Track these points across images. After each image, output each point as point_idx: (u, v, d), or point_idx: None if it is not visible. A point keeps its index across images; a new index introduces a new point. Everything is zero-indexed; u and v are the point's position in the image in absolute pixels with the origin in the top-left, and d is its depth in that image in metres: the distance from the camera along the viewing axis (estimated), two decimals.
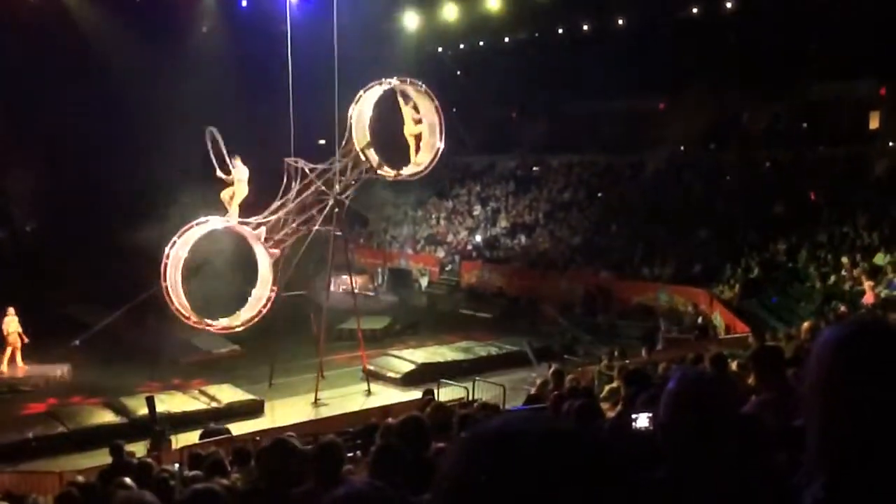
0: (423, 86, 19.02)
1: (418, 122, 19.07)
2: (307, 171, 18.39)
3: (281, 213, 18.17)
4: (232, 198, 17.53)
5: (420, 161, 19.26)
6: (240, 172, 17.57)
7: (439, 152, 19.22)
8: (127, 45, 27.69)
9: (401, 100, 19.12)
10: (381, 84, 18.53)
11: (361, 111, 18.52)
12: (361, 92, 18.50)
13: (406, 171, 19.34)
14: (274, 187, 18.65)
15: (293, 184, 18.36)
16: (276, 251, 17.92)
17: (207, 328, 17.77)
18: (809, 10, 27.19)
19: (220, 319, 17.65)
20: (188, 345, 22.01)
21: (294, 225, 18.31)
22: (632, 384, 6.10)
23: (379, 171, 18.81)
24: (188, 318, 17.18)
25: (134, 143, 30.37)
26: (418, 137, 19.15)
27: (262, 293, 17.74)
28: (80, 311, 24.28)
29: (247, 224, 17.79)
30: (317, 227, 18.59)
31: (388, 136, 19.48)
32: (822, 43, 27.95)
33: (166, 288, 16.77)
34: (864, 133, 28.08)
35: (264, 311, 17.58)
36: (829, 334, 1.59)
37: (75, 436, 14.92)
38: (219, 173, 17.26)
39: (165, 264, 16.74)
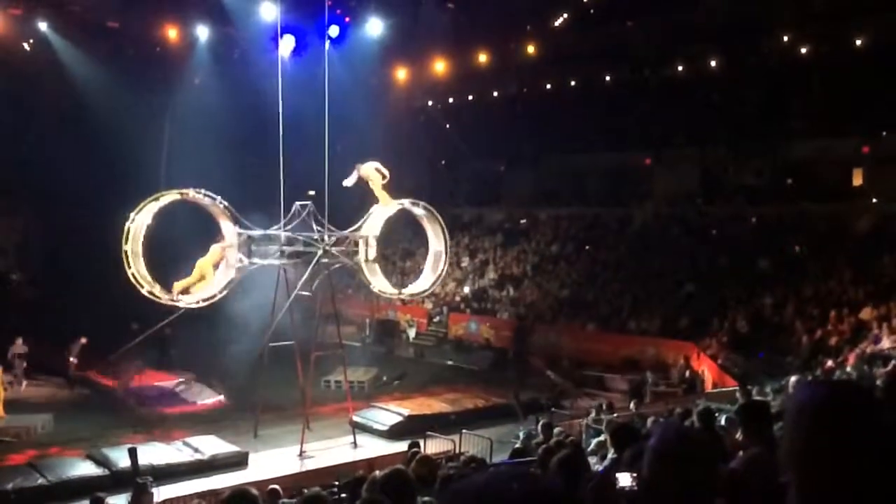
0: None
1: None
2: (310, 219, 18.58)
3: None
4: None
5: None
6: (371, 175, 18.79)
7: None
8: (119, 96, 27.86)
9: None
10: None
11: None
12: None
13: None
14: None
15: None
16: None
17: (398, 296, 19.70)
18: (793, 69, 27.75)
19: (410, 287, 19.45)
20: (172, 395, 21.83)
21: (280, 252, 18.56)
22: (619, 439, 6.09)
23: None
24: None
25: (123, 194, 30.36)
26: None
27: (437, 268, 19.40)
28: (64, 360, 24.03)
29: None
30: (304, 277, 18.59)
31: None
32: (806, 101, 28.50)
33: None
34: (847, 190, 28.46)
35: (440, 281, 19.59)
36: (805, 398, 1.62)
37: (56, 488, 14.64)
38: None
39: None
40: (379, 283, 19.41)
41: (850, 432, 1.51)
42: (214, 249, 18.24)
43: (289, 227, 18.17)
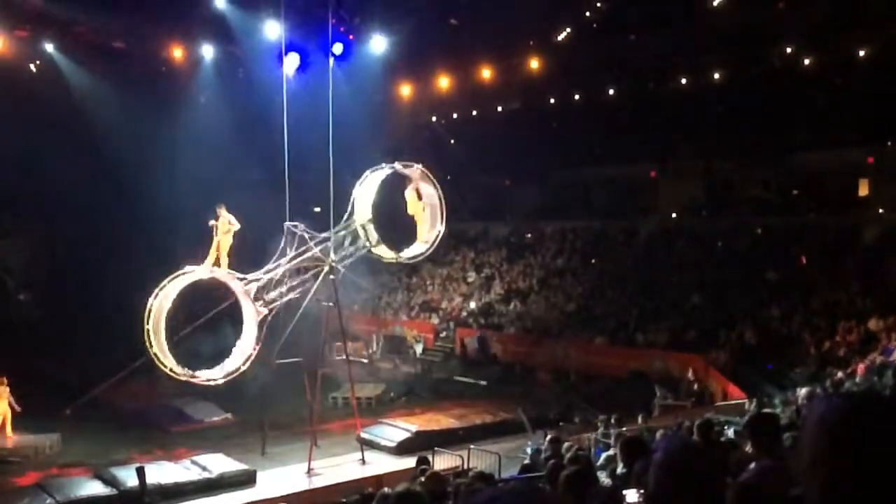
0: (424, 170, 19.34)
1: (420, 202, 19.47)
2: (307, 237, 18.48)
3: (274, 274, 18.18)
4: (217, 249, 17.76)
5: (421, 244, 19.62)
6: (223, 222, 17.87)
7: (439, 236, 19.51)
8: (125, 115, 28.04)
9: (408, 185, 19.51)
10: (386, 167, 18.85)
11: (365, 189, 18.80)
12: (368, 172, 18.78)
13: (405, 253, 19.56)
14: (269, 252, 18.72)
15: (289, 249, 18.42)
16: (264, 310, 17.85)
17: (190, 380, 17.23)
18: (797, 80, 27.76)
19: (203, 372, 17.37)
20: (179, 414, 21.81)
21: (286, 287, 18.31)
22: (629, 453, 6.07)
23: (375, 250, 18.92)
24: (171, 372, 16.79)
25: (131, 212, 30.53)
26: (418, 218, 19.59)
27: (245, 349, 17.56)
28: (71, 379, 24.05)
29: (238, 279, 17.77)
30: (311, 294, 18.59)
31: (390, 218, 19.79)
32: (811, 112, 28.50)
33: (147, 332, 16.44)
34: (853, 200, 28.43)
35: (244, 367, 17.34)
36: (823, 409, 1.60)
37: None
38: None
39: (148, 312, 16.50)
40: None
41: (869, 445, 1.50)
42: (409, 195, 18.90)
43: (285, 254, 18.26)
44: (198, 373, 17.23)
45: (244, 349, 17.59)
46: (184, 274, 17.04)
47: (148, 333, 16.40)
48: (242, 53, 28.10)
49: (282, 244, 18.27)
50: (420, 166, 19.30)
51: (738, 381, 21.16)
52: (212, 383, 17.61)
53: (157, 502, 13.93)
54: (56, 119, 29.54)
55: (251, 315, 17.71)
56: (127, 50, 28.00)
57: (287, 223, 18.27)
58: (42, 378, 23.20)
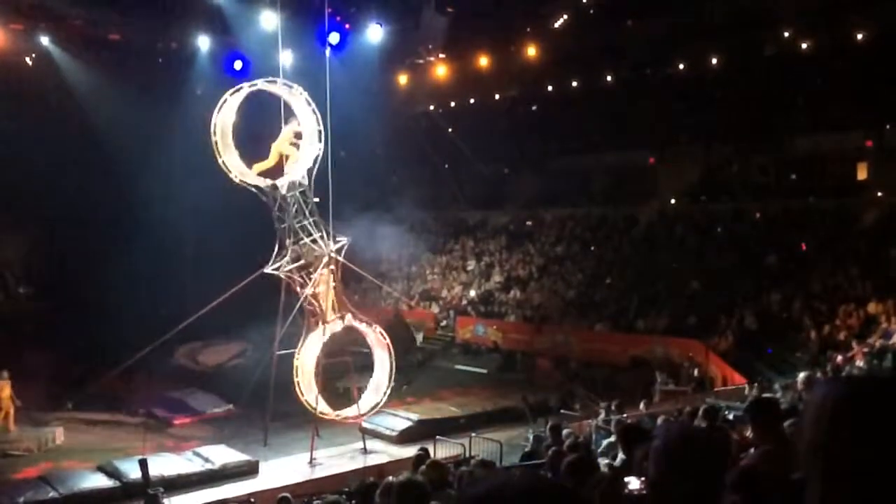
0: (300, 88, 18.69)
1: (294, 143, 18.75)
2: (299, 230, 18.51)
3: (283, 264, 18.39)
4: None
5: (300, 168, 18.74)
6: None
7: (318, 158, 18.53)
8: (121, 108, 27.93)
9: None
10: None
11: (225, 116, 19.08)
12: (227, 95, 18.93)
13: (282, 180, 18.61)
14: (268, 244, 18.75)
15: (287, 241, 18.46)
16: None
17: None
18: (795, 64, 27.67)
19: (346, 410, 19.24)
20: (182, 405, 21.85)
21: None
22: (628, 439, 6.08)
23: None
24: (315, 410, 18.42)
25: (129, 205, 30.47)
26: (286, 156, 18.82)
27: (381, 382, 19.66)
28: (73, 372, 24.09)
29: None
30: (311, 285, 18.60)
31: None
32: (809, 96, 28.43)
33: (297, 384, 18.54)
34: (852, 184, 28.39)
35: (384, 399, 19.53)
36: (826, 392, 1.60)
37: (68, 501, 14.70)
38: None
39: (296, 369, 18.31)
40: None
41: (870, 428, 1.49)
42: (286, 130, 18.52)
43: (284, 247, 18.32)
44: (343, 412, 19.09)
45: (380, 382, 19.46)
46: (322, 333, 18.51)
47: (298, 384, 18.40)
48: (239, 44, 27.99)
49: (279, 237, 18.33)
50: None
51: (739, 366, 21.20)
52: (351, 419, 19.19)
53: (160, 493, 13.95)
54: (52, 112, 29.46)
55: (383, 354, 19.33)
56: (123, 42, 27.89)
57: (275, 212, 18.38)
58: (43, 371, 23.21)
